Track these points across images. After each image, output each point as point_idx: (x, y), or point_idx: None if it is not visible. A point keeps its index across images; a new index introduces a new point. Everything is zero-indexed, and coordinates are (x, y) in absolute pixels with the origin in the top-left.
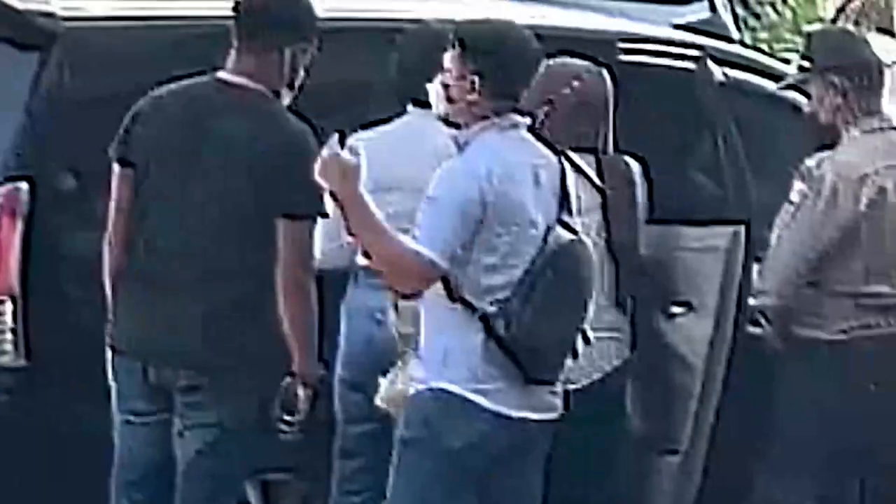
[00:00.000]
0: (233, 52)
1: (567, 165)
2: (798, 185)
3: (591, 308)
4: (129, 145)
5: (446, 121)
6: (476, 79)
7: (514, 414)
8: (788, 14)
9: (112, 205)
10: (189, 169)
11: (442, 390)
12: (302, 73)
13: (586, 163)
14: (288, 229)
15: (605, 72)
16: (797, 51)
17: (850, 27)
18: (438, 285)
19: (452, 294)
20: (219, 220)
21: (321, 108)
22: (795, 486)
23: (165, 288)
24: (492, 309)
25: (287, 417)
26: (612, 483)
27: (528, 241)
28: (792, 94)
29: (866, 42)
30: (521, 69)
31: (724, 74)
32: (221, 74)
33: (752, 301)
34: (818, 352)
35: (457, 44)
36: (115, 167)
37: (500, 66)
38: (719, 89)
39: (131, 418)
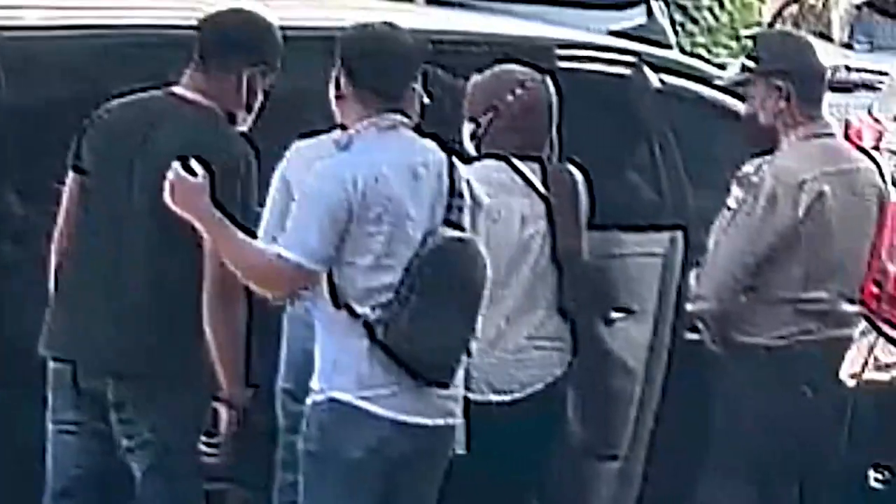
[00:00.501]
0: (190, 67)
1: (459, 165)
2: (736, 191)
3: (483, 307)
4: (80, 153)
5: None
6: (349, 80)
7: (409, 419)
8: (726, 18)
9: (61, 211)
10: (125, 179)
11: (334, 400)
12: (261, 96)
13: (531, 171)
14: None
15: (548, 80)
16: (735, 55)
17: (798, 32)
18: (325, 292)
19: (337, 300)
20: (148, 232)
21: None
22: (735, 490)
23: (95, 296)
24: (373, 313)
25: (207, 440)
26: (552, 491)
27: (405, 241)
28: (730, 100)
29: (812, 47)
30: (394, 69)
31: (661, 80)
32: (176, 89)
33: (689, 306)
34: (757, 357)
35: (339, 50)
36: (70, 174)
37: (371, 67)
38: (656, 95)
39: (61, 427)
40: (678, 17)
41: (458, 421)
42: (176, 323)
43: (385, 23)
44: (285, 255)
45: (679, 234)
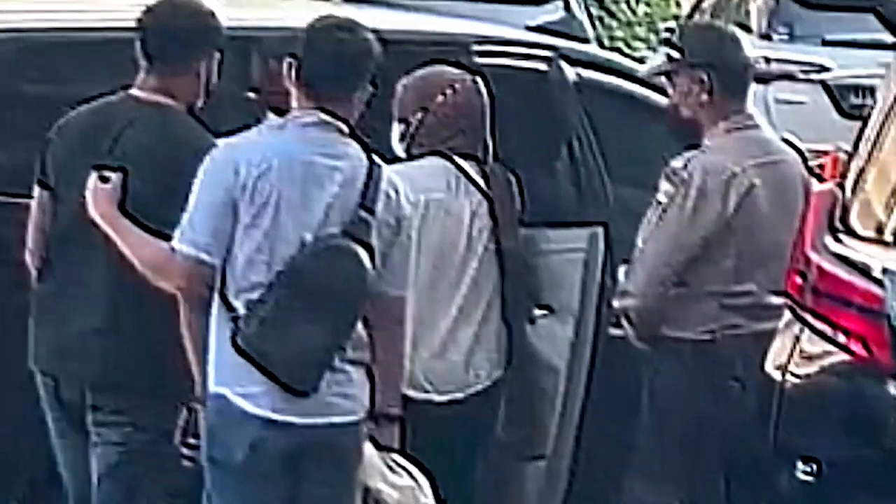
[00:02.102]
0: (142, 69)
1: (384, 181)
2: (665, 186)
3: (350, 318)
4: (45, 167)
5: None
6: (292, 71)
7: (280, 418)
8: (643, 11)
9: (31, 226)
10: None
11: (216, 395)
12: (214, 78)
13: (472, 170)
14: None
15: (479, 80)
16: (654, 48)
17: (722, 24)
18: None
19: (220, 291)
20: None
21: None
22: (661, 487)
23: (69, 309)
24: (241, 310)
25: (191, 442)
26: (480, 491)
27: (284, 240)
28: (650, 94)
29: (738, 39)
30: (325, 63)
31: (578, 75)
32: (133, 92)
33: (615, 302)
34: (683, 352)
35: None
36: (35, 189)
37: (310, 62)
38: (573, 90)
39: (59, 439)
40: (595, 10)
41: (350, 418)
42: (149, 331)
43: (346, 20)
44: (176, 247)
45: (600, 231)
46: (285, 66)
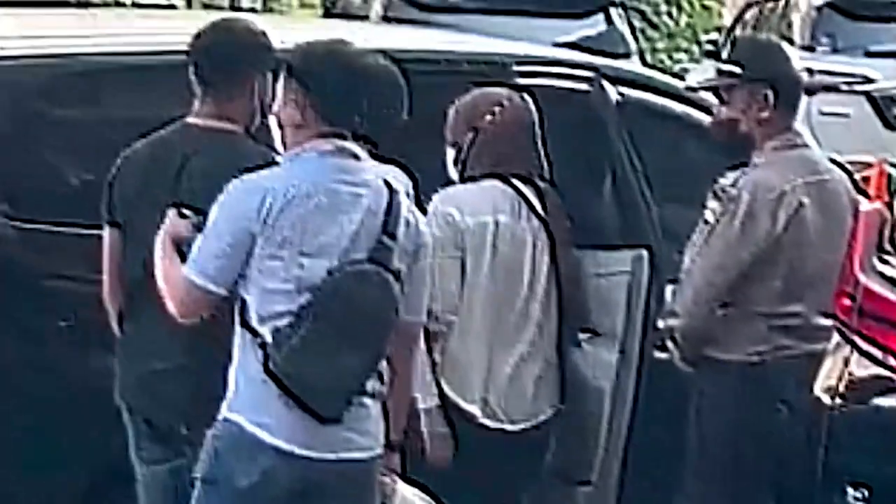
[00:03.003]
0: (198, 95)
1: (403, 206)
2: (713, 205)
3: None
4: (111, 205)
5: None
6: (303, 100)
7: (296, 451)
8: (685, 23)
9: (105, 265)
10: (163, 214)
11: (229, 421)
12: (269, 98)
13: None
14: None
15: (527, 98)
16: (696, 60)
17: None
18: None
19: (242, 318)
20: None
21: None
22: None
23: (148, 345)
24: (269, 337)
25: None
26: None
27: (316, 268)
28: (692, 111)
29: (791, 56)
30: (349, 89)
31: (619, 93)
32: (191, 119)
33: (660, 322)
34: (730, 374)
35: (285, 67)
36: (105, 230)
37: (326, 86)
38: (615, 109)
39: (138, 468)
40: (637, 22)
41: (365, 455)
42: (223, 362)
43: (340, 40)
44: (189, 276)
45: (644, 252)
46: (291, 91)
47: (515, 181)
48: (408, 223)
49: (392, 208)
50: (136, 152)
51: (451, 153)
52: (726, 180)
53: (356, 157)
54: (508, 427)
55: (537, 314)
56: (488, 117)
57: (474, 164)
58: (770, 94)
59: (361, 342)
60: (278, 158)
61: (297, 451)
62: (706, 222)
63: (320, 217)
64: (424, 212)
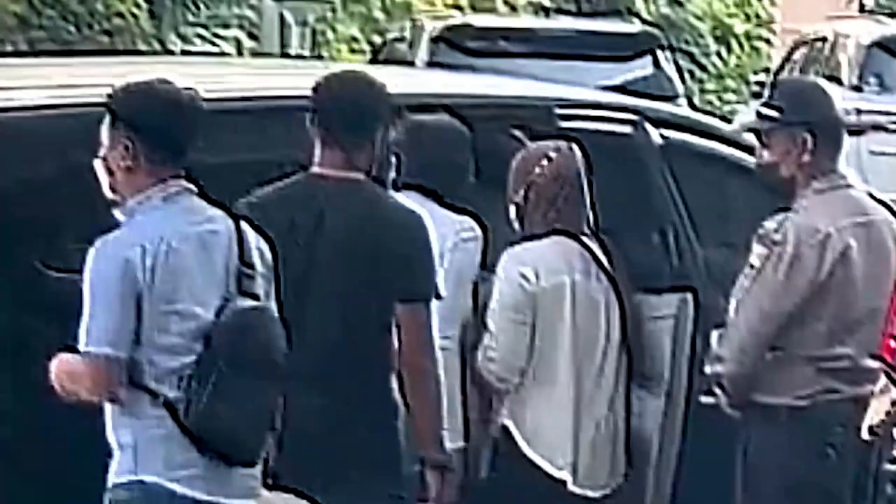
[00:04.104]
0: (319, 145)
1: (249, 233)
2: (758, 249)
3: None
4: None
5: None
6: (129, 144)
7: (212, 500)
8: (734, 63)
9: None
10: (304, 266)
11: (144, 483)
12: (384, 148)
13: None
14: (408, 314)
15: (575, 147)
16: (745, 101)
17: (819, 81)
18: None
19: (132, 380)
20: (339, 313)
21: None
22: None
23: (294, 384)
24: (173, 394)
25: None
26: None
27: (199, 316)
28: (735, 153)
29: (832, 98)
30: (177, 128)
31: (662, 136)
32: (317, 169)
33: (707, 368)
34: (778, 418)
35: (108, 112)
36: None
37: (153, 127)
38: (658, 151)
39: None
40: (686, 63)
41: (253, 500)
42: (374, 399)
43: (161, 79)
44: (92, 351)
45: (689, 296)
46: (118, 136)
47: (583, 237)
48: (259, 250)
49: (242, 238)
50: (259, 201)
51: (512, 210)
52: (771, 224)
53: (197, 194)
54: (591, 493)
55: (612, 373)
56: (538, 170)
57: (533, 220)
58: (809, 137)
59: (267, 378)
60: (118, 212)
61: (213, 499)
62: (751, 267)
63: (194, 262)
64: (488, 262)
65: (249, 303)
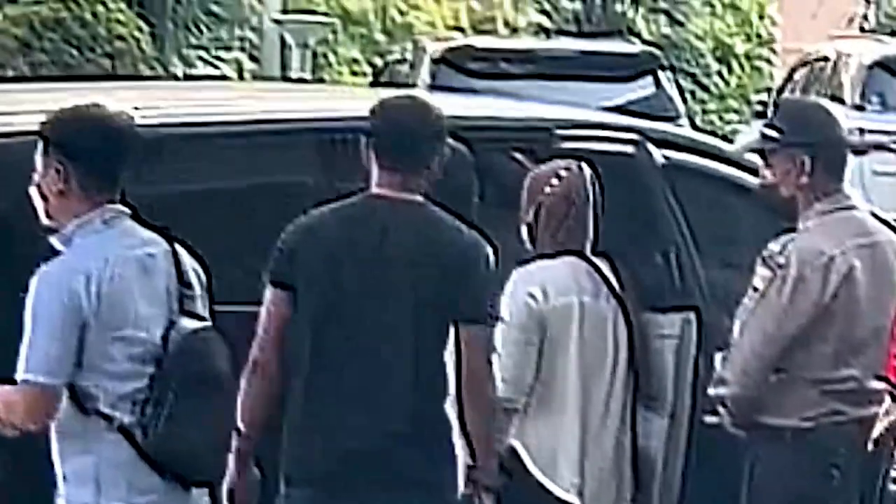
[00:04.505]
0: (377, 167)
1: (183, 254)
2: (761, 271)
3: None
4: (291, 269)
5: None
6: (61, 168)
7: None
8: (735, 83)
9: (262, 325)
10: (366, 286)
11: None
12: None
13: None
14: (470, 336)
15: (585, 166)
16: (746, 121)
17: (823, 101)
18: (66, 402)
19: (84, 407)
20: (401, 334)
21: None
22: None
23: (356, 412)
24: (128, 419)
25: None
26: None
27: (145, 341)
28: (737, 173)
29: (835, 118)
30: (108, 152)
31: (665, 156)
32: (376, 190)
33: (711, 390)
34: (783, 439)
35: (40, 138)
36: (269, 289)
37: (86, 152)
38: (660, 171)
39: None
40: (687, 84)
41: None
42: (429, 421)
43: (94, 104)
44: (31, 380)
45: (692, 315)
46: (52, 162)
47: (594, 258)
48: (195, 270)
49: (178, 259)
50: (318, 222)
51: (523, 230)
52: (775, 246)
53: (129, 217)
54: None
55: (620, 394)
56: (548, 189)
57: (544, 239)
58: (807, 159)
59: (219, 398)
60: (56, 239)
61: None
62: (755, 289)
63: (136, 287)
64: (497, 281)
65: (194, 323)
